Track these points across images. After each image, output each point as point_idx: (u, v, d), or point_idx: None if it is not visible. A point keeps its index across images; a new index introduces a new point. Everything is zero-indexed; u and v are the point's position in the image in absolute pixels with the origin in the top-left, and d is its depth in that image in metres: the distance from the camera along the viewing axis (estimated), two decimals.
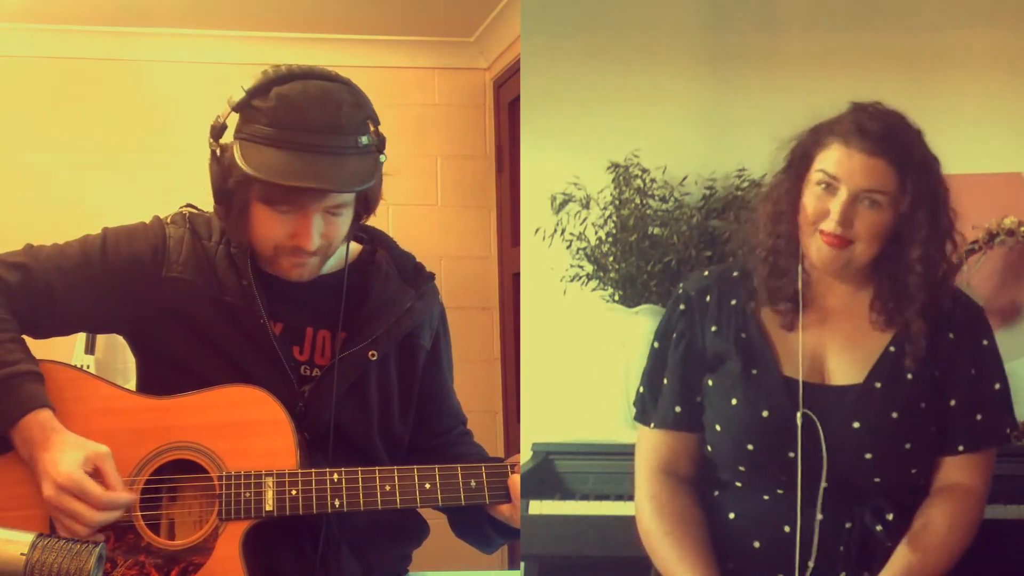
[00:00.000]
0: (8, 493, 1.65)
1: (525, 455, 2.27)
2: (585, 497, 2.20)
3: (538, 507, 2.17)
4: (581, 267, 2.55)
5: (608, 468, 2.24)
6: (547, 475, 2.29)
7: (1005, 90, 2.36)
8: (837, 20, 2.45)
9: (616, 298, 2.52)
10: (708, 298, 1.68)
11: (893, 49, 2.42)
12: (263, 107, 1.69)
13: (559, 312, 2.53)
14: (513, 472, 1.73)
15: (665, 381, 1.68)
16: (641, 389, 1.71)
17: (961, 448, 1.60)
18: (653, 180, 2.53)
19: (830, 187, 1.58)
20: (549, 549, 2.14)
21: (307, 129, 1.67)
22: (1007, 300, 2.29)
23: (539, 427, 2.30)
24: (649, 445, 1.69)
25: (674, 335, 1.68)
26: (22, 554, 1.24)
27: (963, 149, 2.33)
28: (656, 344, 1.71)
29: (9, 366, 1.64)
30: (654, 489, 1.66)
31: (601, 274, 2.54)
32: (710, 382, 1.65)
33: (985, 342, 1.63)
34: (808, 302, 1.64)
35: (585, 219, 2.54)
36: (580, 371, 2.42)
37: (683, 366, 1.67)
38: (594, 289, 2.55)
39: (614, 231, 2.52)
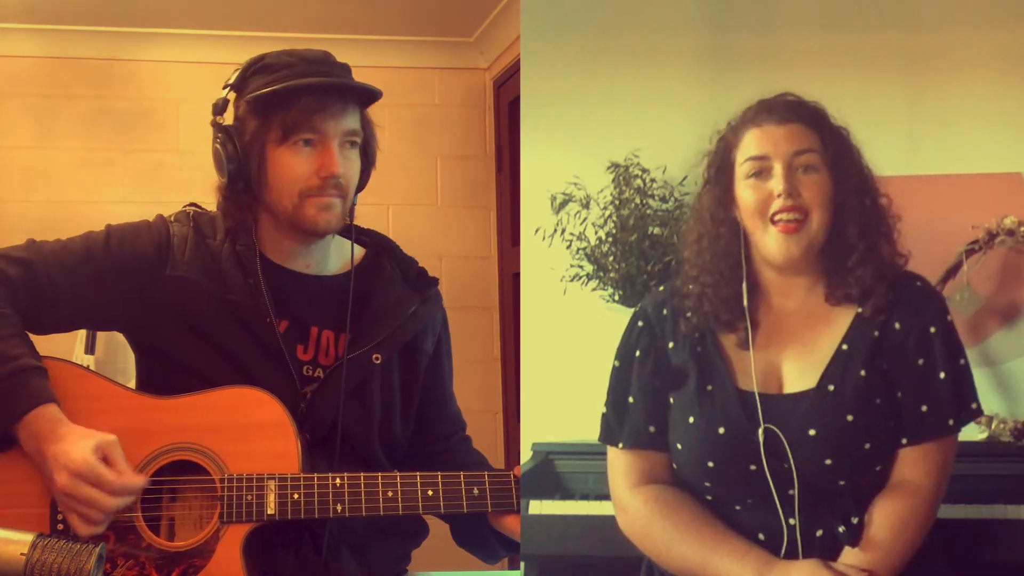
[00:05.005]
0: (9, 490, 1.65)
1: (525, 455, 2.27)
2: (585, 497, 2.20)
3: (538, 507, 2.16)
4: (581, 267, 2.55)
5: None
6: (547, 475, 2.29)
7: (1005, 90, 2.36)
8: (836, 20, 2.45)
9: (616, 298, 2.52)
10: (665, 312, 1.65)
11: (893, 49, 2.41)
12: (264, 64, 1.78)
13: (559, 312, 2.53)
14: (515, 479, 1.72)
15: (631, 400, 1.64)
16: (605, 409, 1.67)
17: (904, 441, 1.55)
18: (653, 180, 2.52)
19: (762, 172, 1.58)
20: (549, 549, 2.14)
21: (309, 61, 1.78)
22: (1007, 300, 2.28)
23: (539, 427, 2.29)
24: (624, 464, 1.64)
25: (637, 352, 1.65)
26: (22, 554, 1.25)
27: (963, 149, 2.34)
28: (617, 363, 1.67)
29: (13, 361, 1.64)
30: (644, 496, 1.61)
31: (601, 274, 2.53)
32: (672, 400, 1.62)
33: (933, 329, 1.57)
34: (763, 314, 1.62)
35: (585, 219, 2.54)
36: (580, 371, 2.41)
37: (652, 384, 1.63)
38: (594, 289, 2.55)
39: (614, 231, 2.51)
